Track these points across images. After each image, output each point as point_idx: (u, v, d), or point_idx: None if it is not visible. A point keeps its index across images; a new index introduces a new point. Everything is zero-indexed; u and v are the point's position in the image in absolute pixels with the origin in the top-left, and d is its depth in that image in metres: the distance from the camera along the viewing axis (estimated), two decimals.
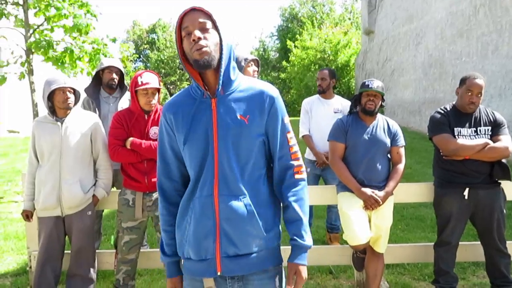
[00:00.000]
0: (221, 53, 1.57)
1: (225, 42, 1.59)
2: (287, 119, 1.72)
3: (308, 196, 1.72)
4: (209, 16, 1.57)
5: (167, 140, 1.72)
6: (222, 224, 1.59)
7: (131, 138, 3.07)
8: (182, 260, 1.73)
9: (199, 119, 1.62)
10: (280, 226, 1.72)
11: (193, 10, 1.57)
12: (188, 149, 1.64)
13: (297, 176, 1.69)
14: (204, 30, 1.55)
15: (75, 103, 3.15)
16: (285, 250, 1.81)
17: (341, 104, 4.47)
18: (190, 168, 1.67)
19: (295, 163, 1.70)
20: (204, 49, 1.52)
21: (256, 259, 1.63)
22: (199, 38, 1.53)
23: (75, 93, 3.13)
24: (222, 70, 1.58)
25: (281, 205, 1.73)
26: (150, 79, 3.02)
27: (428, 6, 11.68)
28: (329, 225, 4.57)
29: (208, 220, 1.60)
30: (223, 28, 1.60)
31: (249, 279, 1.64)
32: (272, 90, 1.68)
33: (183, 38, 1.58)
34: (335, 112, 4.37)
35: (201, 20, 1.55)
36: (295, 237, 1.66)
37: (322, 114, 4.39)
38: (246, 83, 1.68)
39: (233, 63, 1.63)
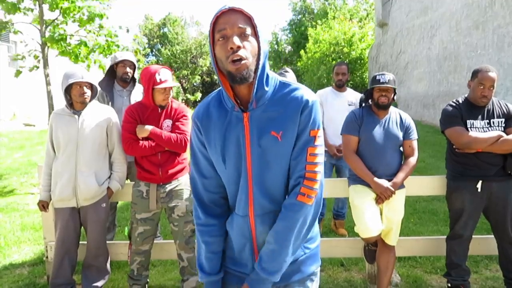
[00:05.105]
0: (257, 63, 1.38)
1: (263, 50, 1.39)
2: (315, 133, 1.46)
3: (302, 224, 1.47)
4: (249, 20, 1.36)
5: (201, 152, 1.57)
6: (260, 246, 1.54)
7: (150, 127, 3.07)
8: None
9: (231, 136, 1.48)
10: (316, 227, 1.63)
11: (232, 10, 1.34)
12: (223, 167, 1.52)
13: (299, 198, 1.45)
14: (243, 37, 1.34)
15: (93, 97, 3.20)
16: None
17: (354, 97, 4.55)
18: (227, 185, 1.56)
19: (305, 183, 1.45)
20: (243, 61, 1.33)
21: (296, 266, 1.56)
22: (239, 47, 1.32)
23: (92, 88, 3.17)
24: (256, 83, 1.40)
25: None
26: (168, 77, 3.04)
27: None
28: (335, 212, 4.75)
29: (246, 240, 1.55)
30: (263, 34, 1.40)
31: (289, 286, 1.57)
32: (309, 95, 1.46)
33: (216, 42, 1.36)
34: (349, 105, 4.46)
35: (241, 25, 1.33)
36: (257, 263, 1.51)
37: (337, 107, 4.46)
38: (281, 89, 1.47)
39: (267, 70, 1.44)
